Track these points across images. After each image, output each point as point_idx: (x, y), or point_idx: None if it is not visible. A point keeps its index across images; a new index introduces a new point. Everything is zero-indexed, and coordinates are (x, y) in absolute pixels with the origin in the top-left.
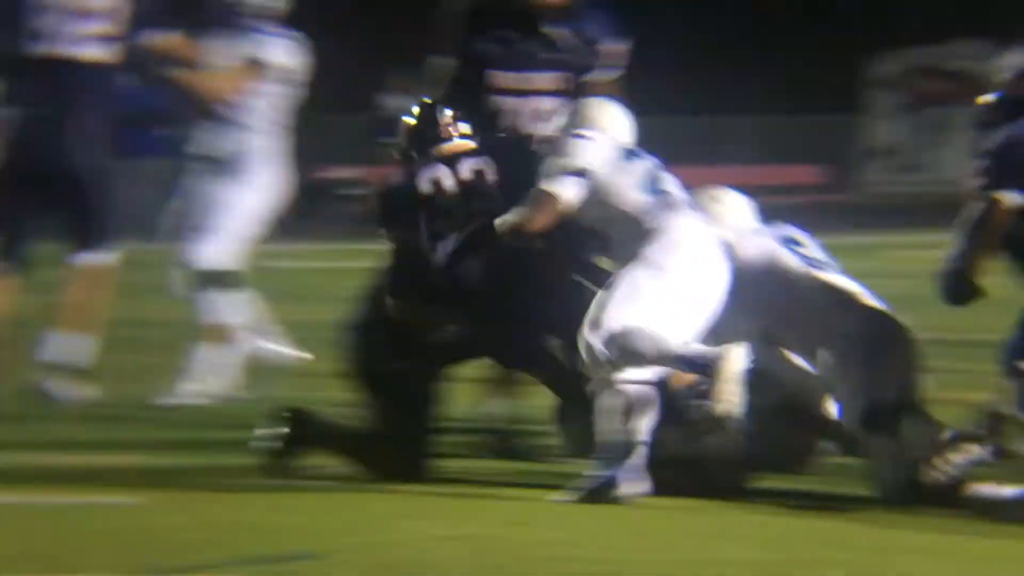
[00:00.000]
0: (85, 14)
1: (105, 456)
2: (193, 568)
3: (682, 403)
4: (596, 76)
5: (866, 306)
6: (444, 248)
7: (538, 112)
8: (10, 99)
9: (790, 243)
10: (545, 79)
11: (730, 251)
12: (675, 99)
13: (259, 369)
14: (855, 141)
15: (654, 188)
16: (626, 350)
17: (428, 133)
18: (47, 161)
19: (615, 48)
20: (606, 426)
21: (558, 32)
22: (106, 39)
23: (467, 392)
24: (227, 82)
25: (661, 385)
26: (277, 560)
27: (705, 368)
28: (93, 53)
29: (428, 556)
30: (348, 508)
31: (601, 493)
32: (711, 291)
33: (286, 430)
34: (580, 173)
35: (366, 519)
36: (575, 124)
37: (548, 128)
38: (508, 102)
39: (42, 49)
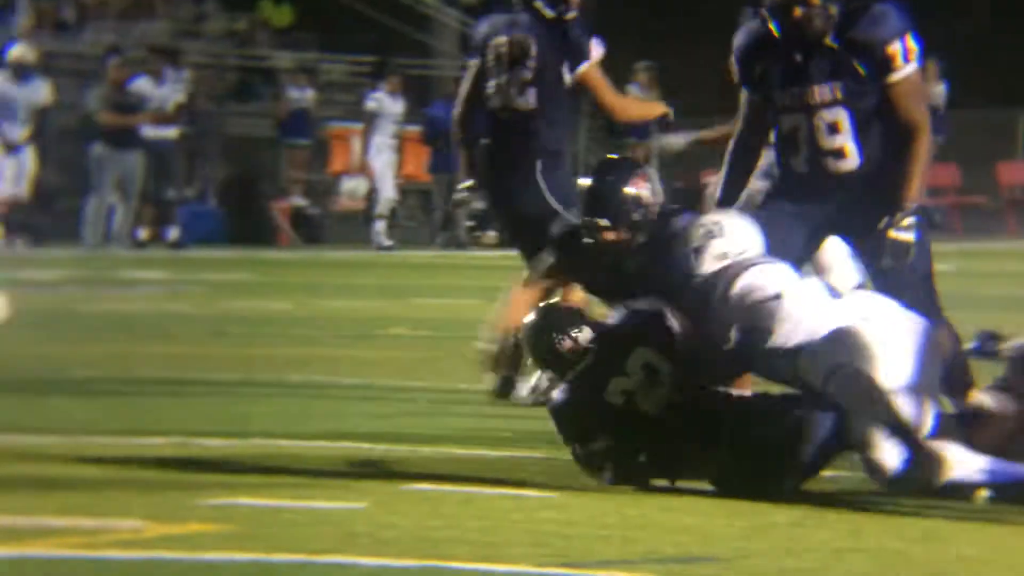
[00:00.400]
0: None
1: (516, 449)
2: (604, 564)
3: None
4: (895, 77)
5: None
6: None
7: (831, 125)
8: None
9: None
10: (825, 91)
11: None
12: None
13: None
14: None
15: (833, 293)
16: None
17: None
18: (507, 203)
19: (904, 45)
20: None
21: (831, 42)
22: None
23: None
24: None
25: None
26: (682, 561)
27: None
28: (525, 102)
29: (829, 568)
30: (747, 514)
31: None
32: None
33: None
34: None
35: (768, 526)
36: (725, 248)
37: (836, 141)
38: (796, 119)
39: (495, 103)
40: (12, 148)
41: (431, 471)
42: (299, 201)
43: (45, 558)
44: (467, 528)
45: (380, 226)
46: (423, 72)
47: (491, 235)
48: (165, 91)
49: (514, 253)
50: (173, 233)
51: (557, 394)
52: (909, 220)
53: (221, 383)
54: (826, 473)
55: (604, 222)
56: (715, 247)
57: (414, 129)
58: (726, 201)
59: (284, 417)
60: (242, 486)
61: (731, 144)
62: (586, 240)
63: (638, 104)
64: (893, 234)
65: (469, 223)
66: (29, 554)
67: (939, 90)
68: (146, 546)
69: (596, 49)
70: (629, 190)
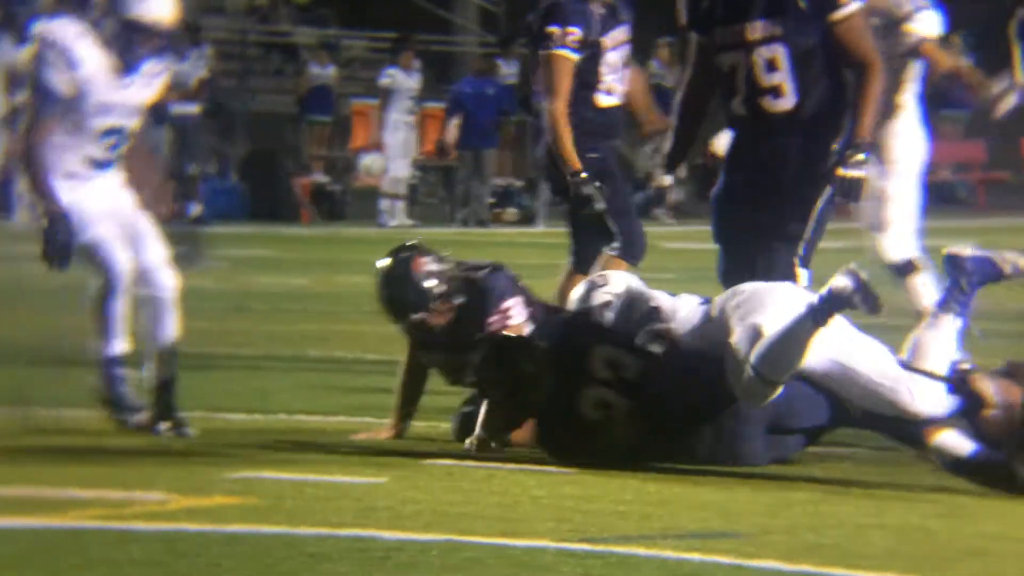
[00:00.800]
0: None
1: None
2: (624, 539)
3: None
4: (839, 14)
5: None
6: None
7: (768, 62)
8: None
9: None
10: (764, 26)
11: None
12: None
13: None
14: None
15: (704, 300)
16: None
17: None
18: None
19: None
20: None
21: None
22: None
23: None
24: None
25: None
26: (702, 536)
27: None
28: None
29: (851, 544)
30: (768, 490)
31: None
32: None
33: None
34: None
35: (790, 502)
36: (606, 293)
37: (774, 79)
38: (735, 57)
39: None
40: None
41: (451, 447)
42: (320, 177)
43: (72, 528)
44: (487, 504)
45: (385, 204)
46: (444, 48)
47: (512, 212)
48: (186, 67)
49: (533, 230)
50: (195, 209)
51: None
52: (860, 157)
53: (243, 358)
54: (847, 450)
55: (419, 316)
56: (598, 297)
57: (436, 105)
58: (677, 147)
59: (306, 392)
60: (265, 460)
61: (681, 91)
62: (423, 332)
63: (566, 139)
64: (843, 171)
65: (491, 199)
66: (56, 524)
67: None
68: (171, 518)
69: (560, 37)
70: (418, 275)
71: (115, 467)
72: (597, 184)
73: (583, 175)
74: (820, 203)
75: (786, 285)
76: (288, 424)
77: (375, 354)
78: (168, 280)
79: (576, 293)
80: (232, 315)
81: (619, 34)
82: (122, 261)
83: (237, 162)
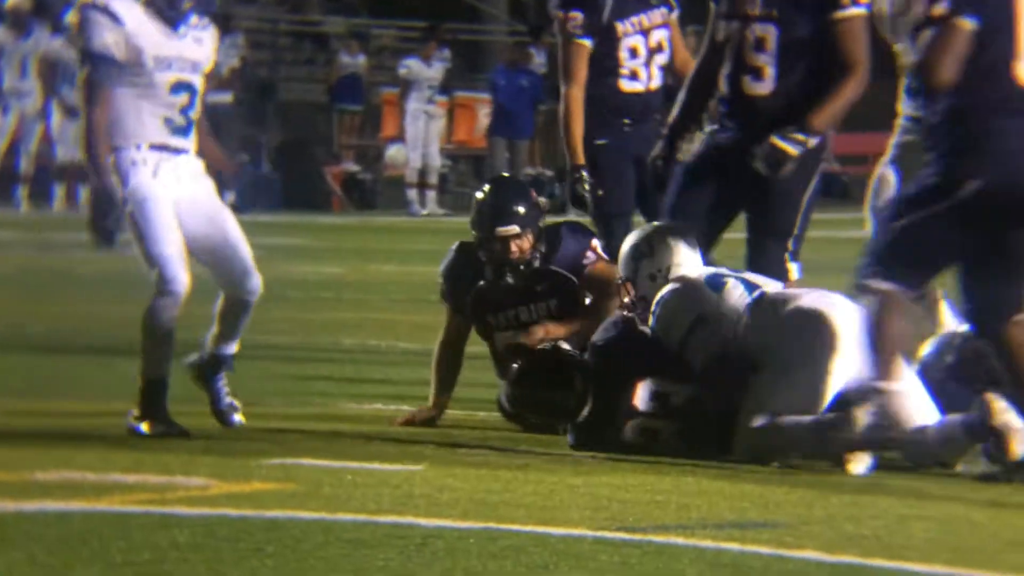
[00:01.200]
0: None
1: None
2: (662, 528)
3: None
4: (840, 14)
5: None
6: None
7: (759, 40)
8: None
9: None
10: (763, 4)
11: None
12: None
13: None
14: None
15: (751, 288)
16: None
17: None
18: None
19: None
20: None
21: None
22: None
23: None
24: None
25: None
26: (741, 526)
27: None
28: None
29: (892, 535)
30: (807, 481)
31: None
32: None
33: None
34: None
35: (829, 493)
36: (651, 265)
37: (759, 59)
38: (731, 28)
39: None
40: (72, 112)
41: (488, 435)
42: (351, 166)
43: (115, 512)
44: (524, 492)
45: (412, 193)
46: (473, 37)
47: (542, 201)
48: (219, 56)
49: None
50: (230, 198)
51: (570, 437)
52: (800, 137)
53: (280, 347)
54: None
55: (511, 229)
56: (644, 268)
57: (466, 95)
58: (680, 117)
59: (342, 380)
60: (303, 447)
61: (695, 63)
62: (486, 252)
63: (574, 129)
64: (775, 139)
65: None
66: (100, 508)
67: None
68: (212, 503)
69: (563, 22)
70: (531, 197)
71: (156, 452)
72: (591, 184)
73: (583, 173)
74: (807, 196)
75: (836, 304)
76: (325, 411)
77: (407, 342)
78: (257, 285)
79: (625, 246)
80: (269, 303)
81: (648, 18)
82: (179, 270)
83: (270, 151)
